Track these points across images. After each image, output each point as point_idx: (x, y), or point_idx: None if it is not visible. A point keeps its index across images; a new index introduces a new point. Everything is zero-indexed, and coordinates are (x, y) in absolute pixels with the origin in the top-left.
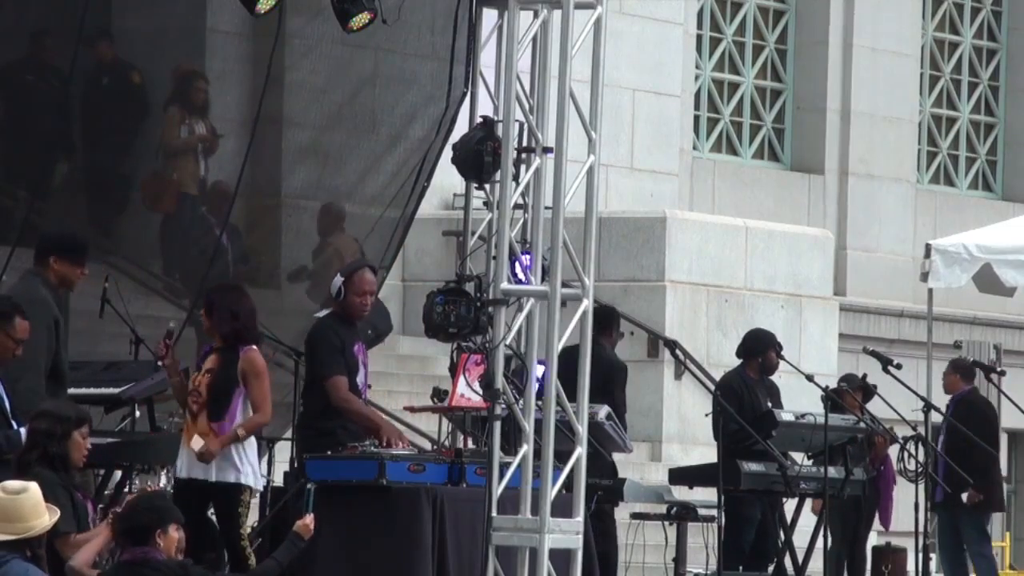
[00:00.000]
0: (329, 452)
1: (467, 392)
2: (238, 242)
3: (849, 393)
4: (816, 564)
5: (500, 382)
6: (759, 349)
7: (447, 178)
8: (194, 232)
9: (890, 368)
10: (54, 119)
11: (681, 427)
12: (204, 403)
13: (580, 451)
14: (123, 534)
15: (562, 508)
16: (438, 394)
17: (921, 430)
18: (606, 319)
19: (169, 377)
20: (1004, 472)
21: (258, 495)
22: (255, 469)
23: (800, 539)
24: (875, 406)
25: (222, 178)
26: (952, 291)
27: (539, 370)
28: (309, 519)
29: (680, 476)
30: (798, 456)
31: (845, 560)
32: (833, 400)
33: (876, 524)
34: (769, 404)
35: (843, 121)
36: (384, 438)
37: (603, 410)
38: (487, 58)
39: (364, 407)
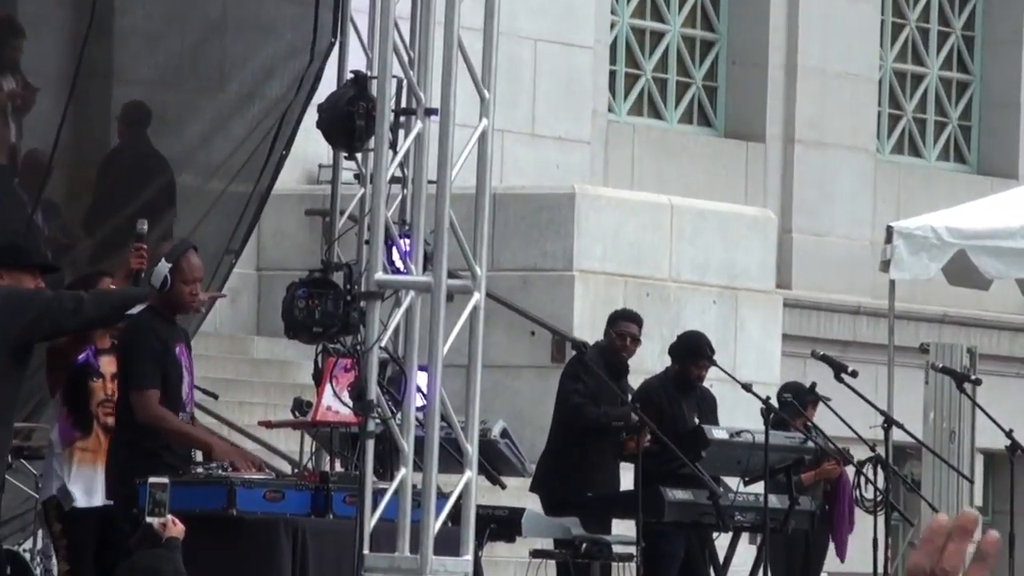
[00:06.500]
0: (168, 477)
1: (335, 404)
2: (55, 220)
3: (797, 407)
4: None
5: (374, 392)
6: (679, 357)
7: (311, 146)
8: (3, 209)
9: (844, 376)
10: None
11: None
12: None
13: (470, 475)
14: None
15: (447, 545)
16: (300, 406)
17: (880, 450)
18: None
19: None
20: (980, 500)
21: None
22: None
23: None
24: (826, 421)
25: (37, 145)
26: (918, 284)
27: (421, 378)
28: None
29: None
30: (732, 482)
31: None
32: (776, 414)
33: (828, 561)
34: (696, 419)
35: (788, 78)
36: (221, 462)
37: (497, 426)
38: (359, 2)
39: (183, 425)
